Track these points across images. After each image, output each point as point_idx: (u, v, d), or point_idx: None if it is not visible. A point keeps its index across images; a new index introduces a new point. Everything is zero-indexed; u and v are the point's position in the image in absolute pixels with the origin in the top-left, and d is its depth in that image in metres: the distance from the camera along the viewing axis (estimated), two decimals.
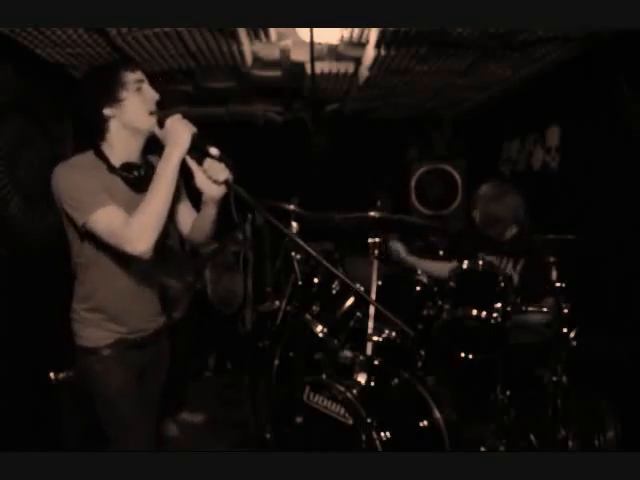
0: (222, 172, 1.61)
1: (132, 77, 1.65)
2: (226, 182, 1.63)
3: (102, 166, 1.67)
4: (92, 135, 1.70)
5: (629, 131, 2.67)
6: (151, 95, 1.68)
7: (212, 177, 1.63)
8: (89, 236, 1.65)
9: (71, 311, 1.79)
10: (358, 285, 2.69)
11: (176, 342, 2.02)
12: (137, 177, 1.70)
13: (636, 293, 2.64)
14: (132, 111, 1.65)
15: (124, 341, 1.78)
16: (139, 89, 1.66)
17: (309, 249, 1.63)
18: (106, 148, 1.69)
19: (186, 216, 1.89)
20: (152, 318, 1.88)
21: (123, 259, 1.71)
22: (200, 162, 1.64)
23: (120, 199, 1.64)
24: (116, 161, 1.69)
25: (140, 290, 1.82)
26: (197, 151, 1.61)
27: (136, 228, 1.54)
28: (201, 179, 1.66)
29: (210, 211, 1.75)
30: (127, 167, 1.69)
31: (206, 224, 1.81)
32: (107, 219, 1.57)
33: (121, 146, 1.69)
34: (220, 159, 1.60)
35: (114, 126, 1.67)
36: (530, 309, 2.50)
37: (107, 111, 1.65)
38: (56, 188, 1.63)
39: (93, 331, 1.75)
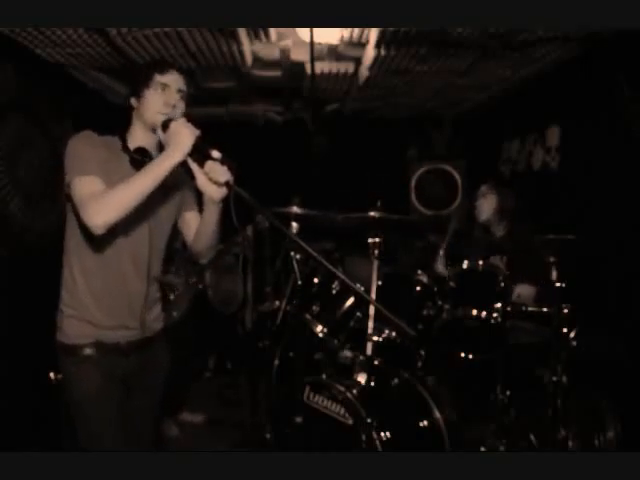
0: (223, 174, 1.62)
1: (159, 78, 1.71)
2: (227, 184, 1.63)
3: (117, 145, 1.74)
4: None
5: (629, 131, 2.67)
6: (170, 100, 1.71)
7: (213, 179, 1.64)
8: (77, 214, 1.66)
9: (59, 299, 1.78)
10: (358, 285, 2.70)
11: (176, 342, 2.00)
12: (143, 162, 1.71)
13: (636, 293, 2.64)
14: (148, 108, 1.71)
15: (105, 345, 1.73)
16: (162, 90, 1.71)
17: (310, 250, 1.62)
18: (127, 135, 1.78)
19: (192, 225, 1.92)
20: (144, 324, 1.81)
21: (116, 253, 1.71)
22: (202, 164, 1.65)
23: (122, 177, 1.63)
24: (132, 146, 1.76)
25: (129, 291, 1.77)
26: (199, 154, 1.62)
27: (100, 202, 1.56)
28: (202, 181, 1.68)
29: (211, 214, 1.76)
30: (139, 151, 1.74)
31: (208, 229, 1.81)
32: (83, 187, 1.60)
33: (138, 136, 1.76)
34: (222, 162, 1.61)
35: (135, 116, 1.77)
36: (530, 309, 2.51)
37: (132, 101, 1.75)
38: (65, 153, 1.68)
39: (72, 325, 1.72)
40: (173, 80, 1.72)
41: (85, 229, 1.66)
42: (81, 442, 1.75)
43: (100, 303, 1.73)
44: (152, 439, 1.92)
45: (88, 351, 1.71)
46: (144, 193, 1.56)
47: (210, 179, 1.65)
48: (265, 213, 1.68)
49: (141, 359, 1.81)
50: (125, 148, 1.73)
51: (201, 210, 1.84)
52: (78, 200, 1.59)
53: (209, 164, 1.64)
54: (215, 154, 1.60)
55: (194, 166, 1.66)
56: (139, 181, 1.57)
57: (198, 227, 1.87)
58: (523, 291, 2.78)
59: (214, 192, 1.68)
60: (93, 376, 1.71)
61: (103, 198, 1.56)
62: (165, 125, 1.63)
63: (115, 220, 1.55)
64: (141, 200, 1.57)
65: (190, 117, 1.67)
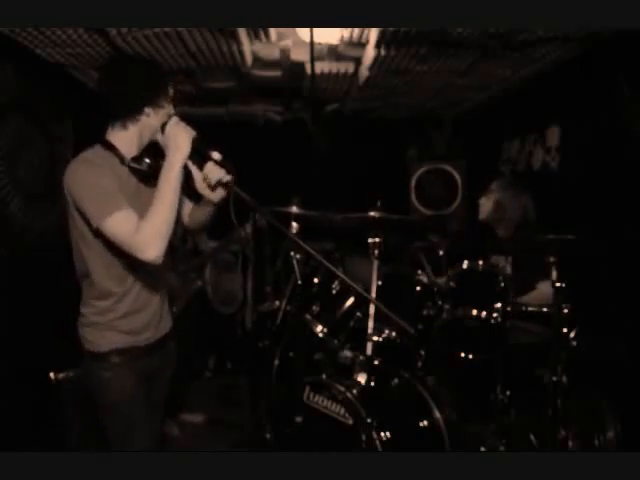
0: (221, 176, 1.64)
1: (172, 91, 1.73)
2: (226, 185, 1.64)
3: (113, 159, 1.68)
4: (107, 122, 1.71)
5: (629, 131, 2.67)
6: (172, 111, 1.73)
7: (212, 181, 1.65)
8: (102, 237, 1.64)
9: (79, 315, 1.78)
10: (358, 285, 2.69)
11: (177, 342, 2.01)
12: (146, 171, 1.71)
13: (636, 293, 2.64)
14: (160, 120, 1.68)
15: (136, 348, 1.76)
16: (170, 102, 1.73)
17: (310, 249, 1.63)
18: (116, 140, 1.69)
19: (182, 204, 1.92)
20: (163, 322, 1.87)
21: (136, 262, 1.71)
22: (201, 166, 1.65)
23: (128, 191, 1.65)
24: (125, 153, 1.71)
25: (153, 294, 1.81)
26: (199, 155, 1.62)
27: (146, 235, 1.55)
28: (201, 183, 1.69)
29: (208, 209, 1.83)
30: (138, 160, 1.71)
31: (204, 218, 1.89)
32: (120, 225, 1.56)
33: (132, 145, 1.70)
34: (222, 162, 1.61)
35: (144, 123, 1.68)
36: (530, 309, 2.50)
37: (148, 109, 1.67)
38: (70, 186, 1.62)
39: (103, 335, 1.73)
40: None
41: (103, 256, 1.68)
42: (113, 443, 1.78)
43: (129, 319, 1.75)
44: (159, 437, 1.95)
45: (120, 357, 1.74)
46: (174, 207, 1.58)
47: (209, 181, 1.66)
48: (264, 213, 1.69)
49: (160, 356, 1.86)
50: (122, 160, 1.69)
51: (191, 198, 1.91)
52: (119, 241, 1.58)
53: (208, 166, 1.64)
54: (215, 155, 1.61)
55: (193, 168, 1.67)
56: (164, 201, 1.57)
57: (194, 213, 1.92)
58: (545, 288, 2.72)
59: (212, 194, 1.70)
60: (127, 379, 1.74)
61: (145, 231, 1.55)
62: (161, 128, 1.64)
63: (165, 245, 1.57)
64: (175, 214, 1.59)
65: (184, 115, 1.67)
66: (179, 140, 1.59)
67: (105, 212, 1.56)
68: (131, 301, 1.75)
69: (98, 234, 1.63)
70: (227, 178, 1.64)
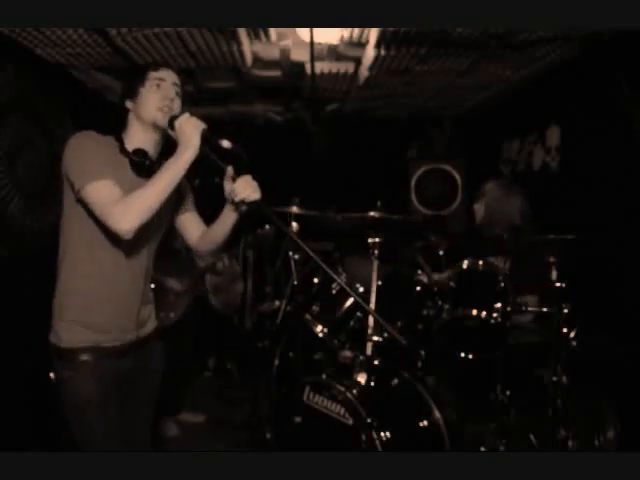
0: (248, 194, 1.63)
1: (153, 75, 1.71)
2: (251, 204, 1.65)
3: (116, 147, 1.72)
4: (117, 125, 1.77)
5: (629, 131, 2.67)
6: (167, 94, 1.71)
7: (237, 197, 1.65)
8: (83, 220, 1.65)
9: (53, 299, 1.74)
10: (357, 285, 2.70)
11: (176, 342, 1.99)
12: (144, 163, 1.72)
13: (636, 293, 2.64)
14: (144, 105, 1.70)
15: (102, 349, 1.69)
16: (158, 86, 1.70)
17: (310, 251, 1.63)
18: (124, 137, 1.75)
19: (193, 226, 1.92)
20: (140, 324, 1.79)
21: (115, 254, 1.70)
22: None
23: (123, 180, 1.64)
24: (130, 148, 1.73)
25: (131, 290, 1.76)
26: (209, 146, 1.62)
27: (124, 207, 1.55)
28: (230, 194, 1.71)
29: (230, 222, 1.79)
30: (138, 152, 1.72)
31: (220, 235, 1.84)
32: (102, 192, 1.58)
33: (136, 138, 1.73)
34: (233, 150, 1.61)
35: (132, 118, 1.74)
36: (530, 309, 2.50)
37: (128, 104, 1.73)
38: (65, 153, 1.65)
39: (69, 329, 1.68)
40: (167, 75, 1.73)
41: (84, 233, 1.67)
42: (78, 445, 1.72)
43: (99, 307, 1.70)
44: (148, 439, 1.90)
45: (85, 356, 1.68)
46: (165, 194, 1.58)
47: (239, 195, 1.65)
48: (282, 226, 1.68)
49: (136, 360, 1.79)
50: (123, 150, 1.71)
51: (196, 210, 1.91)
52: (99, 207, 1.57)
53: (239, 182, 1.65)
54: (225, 143, 1.62)
55: (228, 184, 1.69)
56: (158, 183, 1.57)
57: (209, 231, 1.88)
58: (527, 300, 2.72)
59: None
60: (90, 381, 1.68)
61: (126, 203, 1.55)
62: (171, 124, 1.64)
63: (141, 223, 1.56)
64: (162, 201, 1.58)
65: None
66: (188, 135, 1.59)
67: (89, 177, 1.58)
68: (100, 293, 1.70)
69: (77, 199, 1.63)
70: (254, 197, 1.64)
